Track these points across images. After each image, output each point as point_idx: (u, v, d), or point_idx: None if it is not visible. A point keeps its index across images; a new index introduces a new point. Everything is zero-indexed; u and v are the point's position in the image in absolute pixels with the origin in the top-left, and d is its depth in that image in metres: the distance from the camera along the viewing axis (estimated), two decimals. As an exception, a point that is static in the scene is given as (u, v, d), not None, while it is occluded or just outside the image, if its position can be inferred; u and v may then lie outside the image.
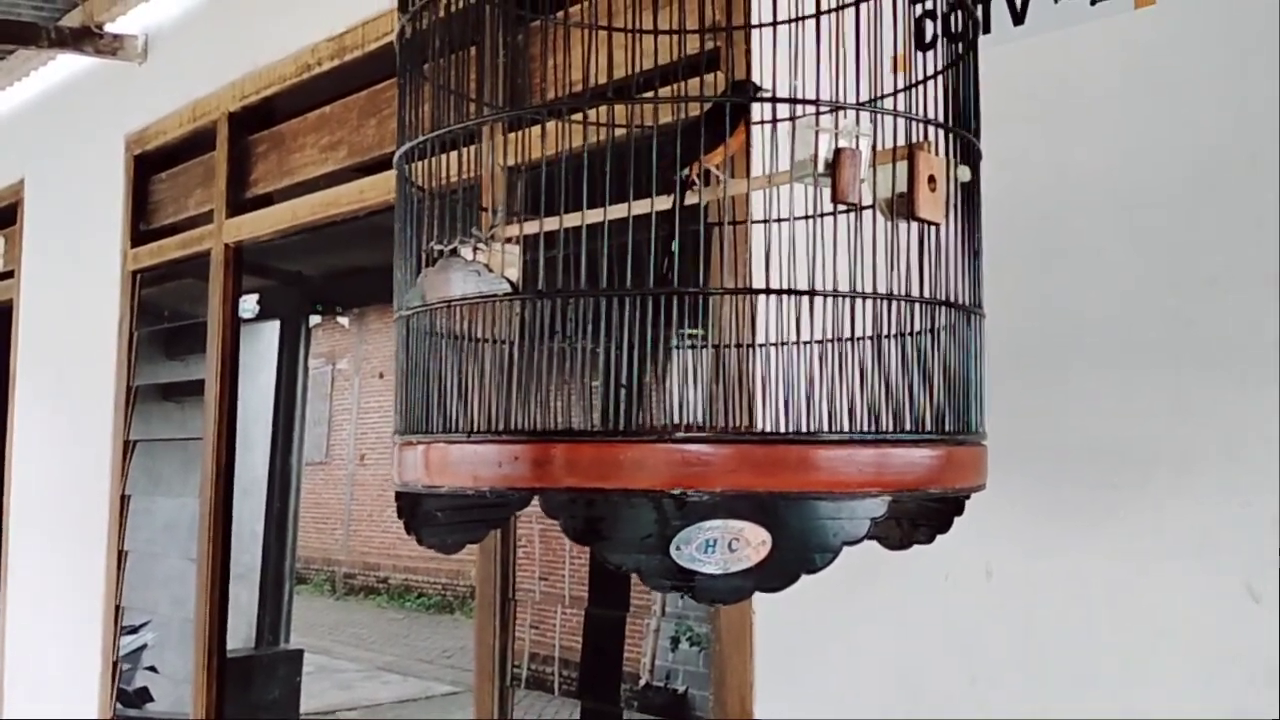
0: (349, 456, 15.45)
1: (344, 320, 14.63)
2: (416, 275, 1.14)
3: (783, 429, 1.04)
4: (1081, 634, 1.53)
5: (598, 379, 1.06)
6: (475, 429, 1.06)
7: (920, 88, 1.17)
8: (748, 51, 1.75)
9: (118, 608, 3.89)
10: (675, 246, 1.16)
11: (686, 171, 1.20)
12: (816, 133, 1.01)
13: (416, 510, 1.24)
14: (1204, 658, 1.42)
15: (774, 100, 1.08)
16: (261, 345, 6.19)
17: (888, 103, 1.12)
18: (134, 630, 3.94)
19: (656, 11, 1.56)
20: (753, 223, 1.66)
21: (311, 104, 3.24)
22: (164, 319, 3.99)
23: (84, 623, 4.01)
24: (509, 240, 1.28)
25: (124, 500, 3.90)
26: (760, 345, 1.33)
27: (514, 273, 1.17)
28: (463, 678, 9.87)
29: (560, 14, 1.41)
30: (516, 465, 0.99)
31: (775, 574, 0.97)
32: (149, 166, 3.97)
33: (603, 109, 1.42)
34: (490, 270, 1.05)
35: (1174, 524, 1.45)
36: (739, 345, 1.38)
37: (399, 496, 1.21)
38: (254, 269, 4.78)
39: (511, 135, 1.66)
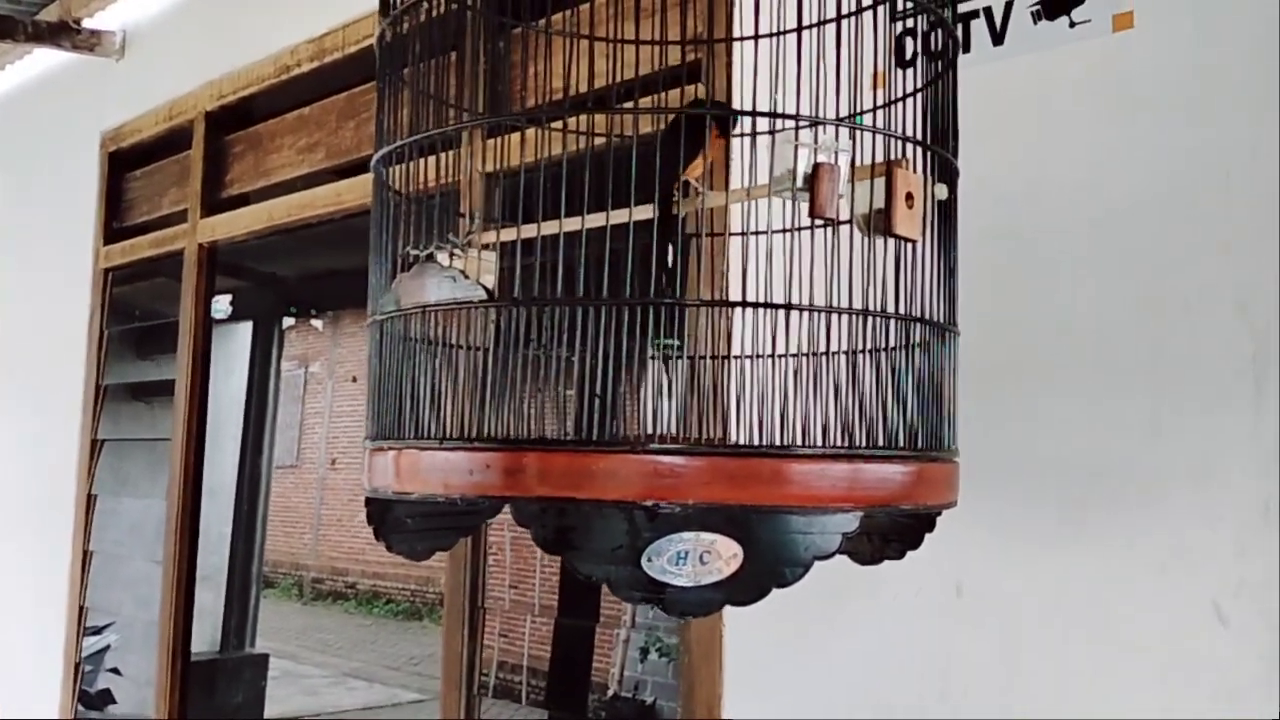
0: (320, 460, 15.36)
1: (318, 323, 14.56)
2: (391, 280, 1.14)
3: (756, 442, 1.04)
4: (1051, 651, 1.53)
5: (572, 388, 1.06)
6: (447, 436, 1.05)
7: (899, 105, 1.17)
8: (729, 64, 1.75)
9: (81, 608, 3.84)
10: (671, 256, 1.16)
11: (675, 185, 1.20)
12: (796, 147, 1.01)
13: (386, 516, 1.23)
14: (1171, 677, 1.43)
15: (754, 114, 1.08)
16: (234, 346, 6.15)
17: (866, 119, 1.12)
18: (97, 631, 3.90)
19: (639, 22, 1.56)
20: (730, 235, 1.67)
21: (290, 105, 3.22)
22: (135, 318, 3.96)
23: (47, 623, 3.96)
24: (485, 247, 1.28)
25: (90, 500, 3.86)
26: (735, 357, 1.33)
27: (490, 279, 1.16)
28: (430, 685, 9.81)
29: (541, 22, 1.41)
30: (488, 473, 0.98)
31: (746, 587, 0.96)
32: (124, 164, 3.94)
33: (582, 118, 1.42)
34: (466, 276, 1.04)
35: (1143, 543, 1.46)
36: (714, 357, 1.38)
37: (369, 502, 1.20)
38: (228, 269, 4.75)
39: (490, 142, 1.65)
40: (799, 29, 1.25)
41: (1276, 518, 1.35)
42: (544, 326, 1.04)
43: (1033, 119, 1.61)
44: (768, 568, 0.97)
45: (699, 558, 0.94)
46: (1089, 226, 1.55)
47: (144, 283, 3.91)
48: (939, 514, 1.18)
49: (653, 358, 1.29)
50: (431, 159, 1.19)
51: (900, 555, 1.25)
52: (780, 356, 1.08)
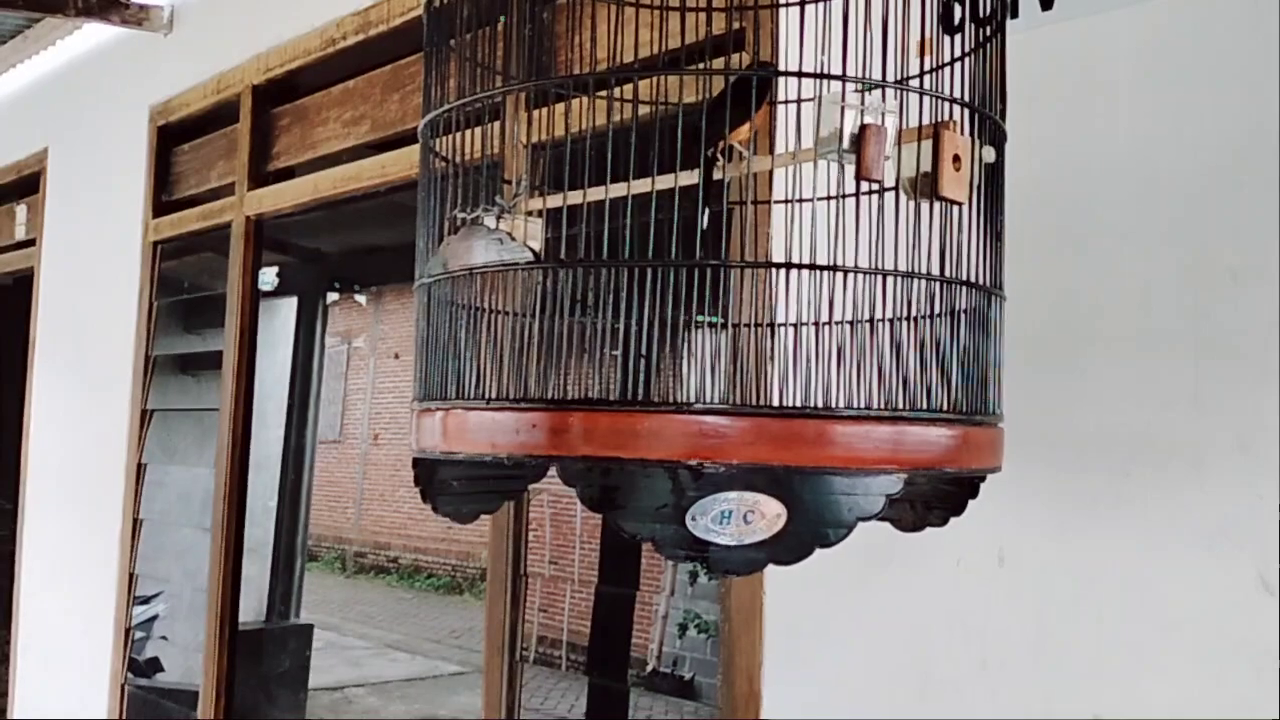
0: (363, 436, 15.51)
1: (361, 299, 14.67)
2: (439, 244, 1.15)
3: (800, 404, 1.04)
4: (1093, 622, 1.53)
5: (617, 349, 1.06)
6: (494, 397, 1.07)
7: (946, 70, 1.16)
8: (774, 31, 1.74)
9: (131, 575, 3.91)
10: (705, 219, 1.16)
11: (712, 150, 1.20)
12: (842, 109, 1.00)
13: (433, 478, 1.24)
14: (1214, 648, 1.42)
15: (800, 75, 1.07)
16: (279, 321, 6.22)
17: (913, 83, 1.12)
18: (146, 600, 3.96)
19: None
20: (774, 203, 1.66)
21: (335, 78, 3.24)
22: (183, 290, 4.01)
23: (98, 591, 4.04)
24: (531, 214, 1.28)
25: (140, 469, 3.93)
26: (780, 325, 1.33)
27: (536, 243, 1.17)
28: (470, 658, 9.92)
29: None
30: (534, 433, 0.99)
31: (789, 547, 0.97)
32: (172, 138, 3.99)
33: (627, 85, 1.42)
34: (513, 239, 1.05)
35: (1188, 514, 1.45)
36: (758, 325, 1.38)
37: (416, 463, 1.21)
38: (273, 245, 4.80)
39: (535, 111, 1.66)
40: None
41: (1325, 486, 1.34)
42: (588, 289, 1.05)
43: (1082, 85, 1.60)
44: (811, 528, 0.97)
45: (743, 517, 0.95)
46: (1136, 194, 1.53)
47: (190, 257, 3.96)
48: (983, 479, 1.18)
49: (697, 326, 1.30)
50: (477, 127, 1.19)
51: (943, 522, 1.24)
52: (825, 324, 1.08)
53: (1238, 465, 1.41)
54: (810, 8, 1.32)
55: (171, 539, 3.84)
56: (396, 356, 14.62)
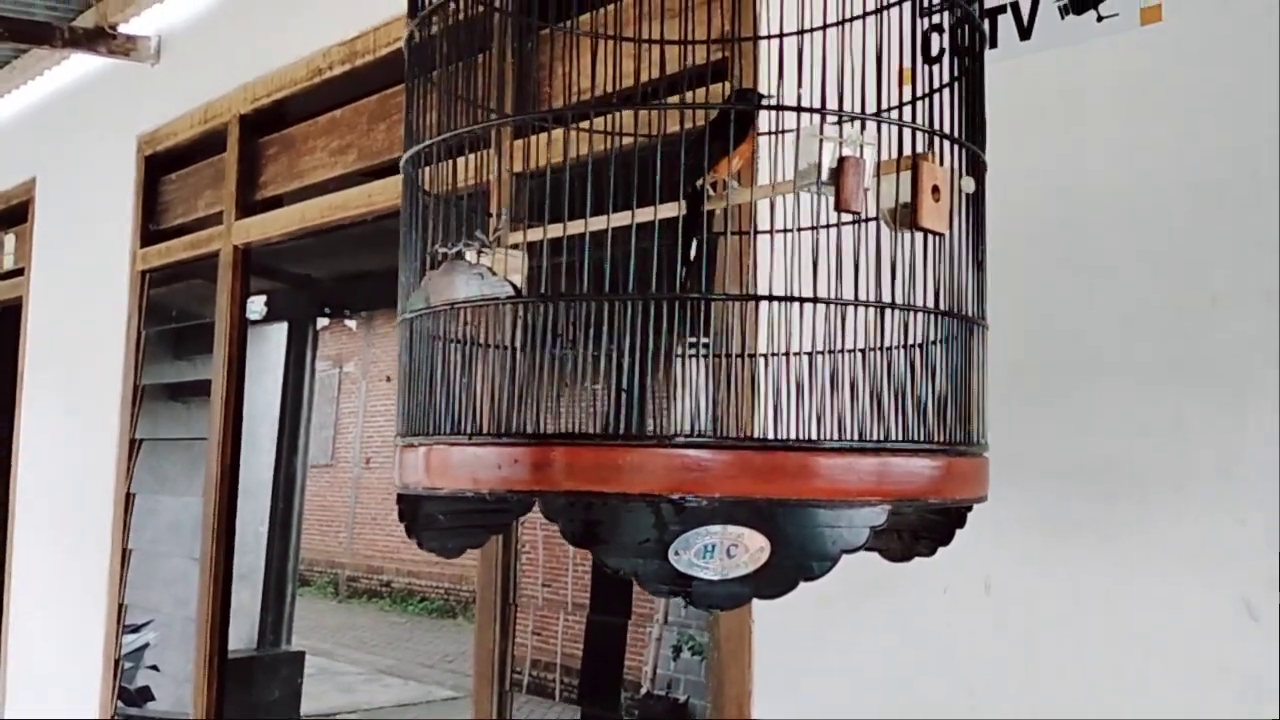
0: (354, 459, 15.46)
1: (351, 324, 14.66)
2: (421, 278, 1.15)
3: (786, 436, 1.05)
4: (1080, 648, 1.53)
5: (599, 383, 1.06)
6: (476, 432, 1.07)
7: (926, 100, 1.17)
8: (755, 62, 1.75)
9: (120, 606, 3.89)
10: (694, 251, 1.17)
11: (700, 182, 1.21)
12: (820, 141, 1.01)
13: (418, 513, 1.24)
14: (1200, 674, 1.42)
15: (779, 108, 1.08)
16: (268, 347, 6.21)
17: (891, 114, 1.12)
18: (136, 629, 3.94)
19: (664, 21, 1.57)
20: (757, 233, 1.67)
21: (322, 108, 3.25)
22: (172, 319, 4.00)
23: (87, 620, 4.02)
24: (513, 246, 1.29)
25: (129, 499, 3.91)
26: (763, 355, 1.34)
27: (518, 277, 1.17)
28: (464, 683, 9.86)
29: (567, 23, 1.42)
30: (516, 468, 0.99)
31: (773, 581, 0.97)
32: (159, 167, 3.99)
33: (609, 116, 1.43)
34: (494, 273, 1.05)
35: (1172, 540, 1.45)
36: (742, 354, 1.39)
37: (400, 499, 1.21)
38: (263, 271, 4.80)
39: (518, 142, 1.66)
40: (824, 26, 1.25)
41: (1309, 512, 1.34)
42: (571, 323, 1.05)
43: (1061, 114, 1.61)
44: (795, 561, 0.97)
45: (726, 551, 0.95)
46: (1117, 221, 1.54)
47: (180, 284, 3.95)
48: (969, 509, 1.18)
49: (681, 356, 1.30)
50: (460, 159, 1.20)
51: (931, 552, 1.25)
52: (808, 354, 1.08)
53: (1220, 491, 1.41)
54: (790, 39, 1.33)
55: (162, 567, 3.82)
56: (388, 379, 14.59)
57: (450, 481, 1.06)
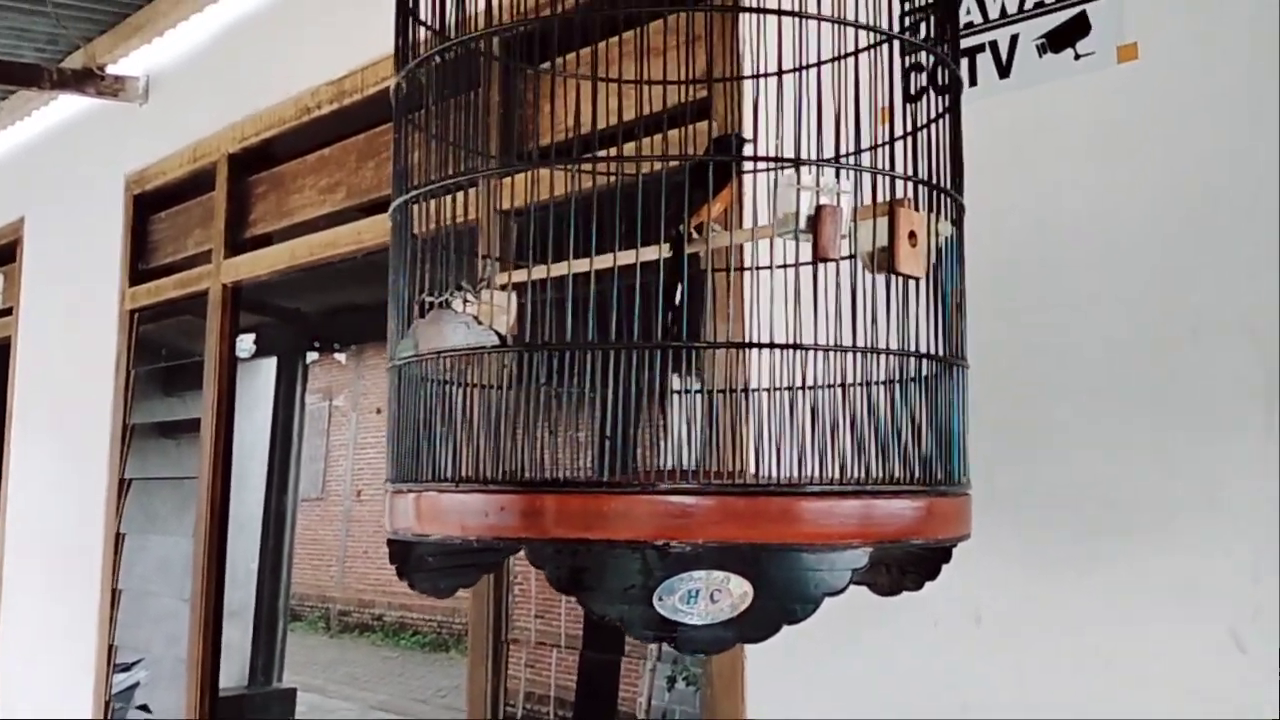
0: (345, 492, 15.41)
1: (341, 357, 14.65)
2: (408, 325, 1.16)
3: (770, 477, 1.06)
4: (1070, 680, 1.53)
5: (584, 429, 1.08)
6: (464, 478, 1.08)
7: (904, 142, 1.19)
8: (739, 103, 1.77)
9: (110, 646, 3.88)
10: (680, 296, 1.18)
11: (684, 226, 1.22)
12: (798, 190, 1.03)
13: (409, 556, 1.25)
14: (1188, 705, 1.43)
15: (755, 158, 1.10)
16: (259, 382, 6.21)
17: (867, 157, 1.14)
18: (126, 668, 3.92)
19: (647, 62, 1.59)
20: (743, 270, 1.68)
21: (311, 146, 3.27)
22: (161, 357, 4.01)
23: (77, 661, 3.99)
24: (501, 288, 1.30)
25: (118, 539, 3.90)
26: (751, 390, 1.35)
27: (504, 323, 1.19)
28: (458, 718, 9.79)
29: (547, 64, 1.44)
30: (503, 515, 1.00)
31: (757, 625, 0.98)
32: (148, 206, 4.01)
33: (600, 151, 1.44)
34: (480, 322, 1.07)
35: (1157, 572, 1.46)
36: (731, 391, 1.40)
37: (391, 543, 1.22)
38: (253, 306, 4.81)
39: (505, 182, 1.68)
40: (800, 68, 1.27)
41: (1289, 545, 1.36)
42: (556, 370, 1.06)
43: (1040, 150, 1.63)
44: (778, 605, 0.98)
45: (710, 596, 0.96)
46: (1096, 257, 1.56)
47: (170, 320, 3.96)
48: (953, 546, 1.19)
49: (665, 397, 1.31)
50: (448, 199, 1.21)
51: (918, 586, 1.25)
52: (789, 389, 1.09)
53: (1206, 523, 1.43)
54: (771, 80, 1.35)
55: (152, 606, 3.80)
56: (379, 411, 14.55)
57: (439, 528, 1.07)
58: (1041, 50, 1.61)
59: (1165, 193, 1.50)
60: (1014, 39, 1.64)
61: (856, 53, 1.18)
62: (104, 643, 3.89)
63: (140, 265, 4.01)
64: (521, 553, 1.25)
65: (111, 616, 3.88)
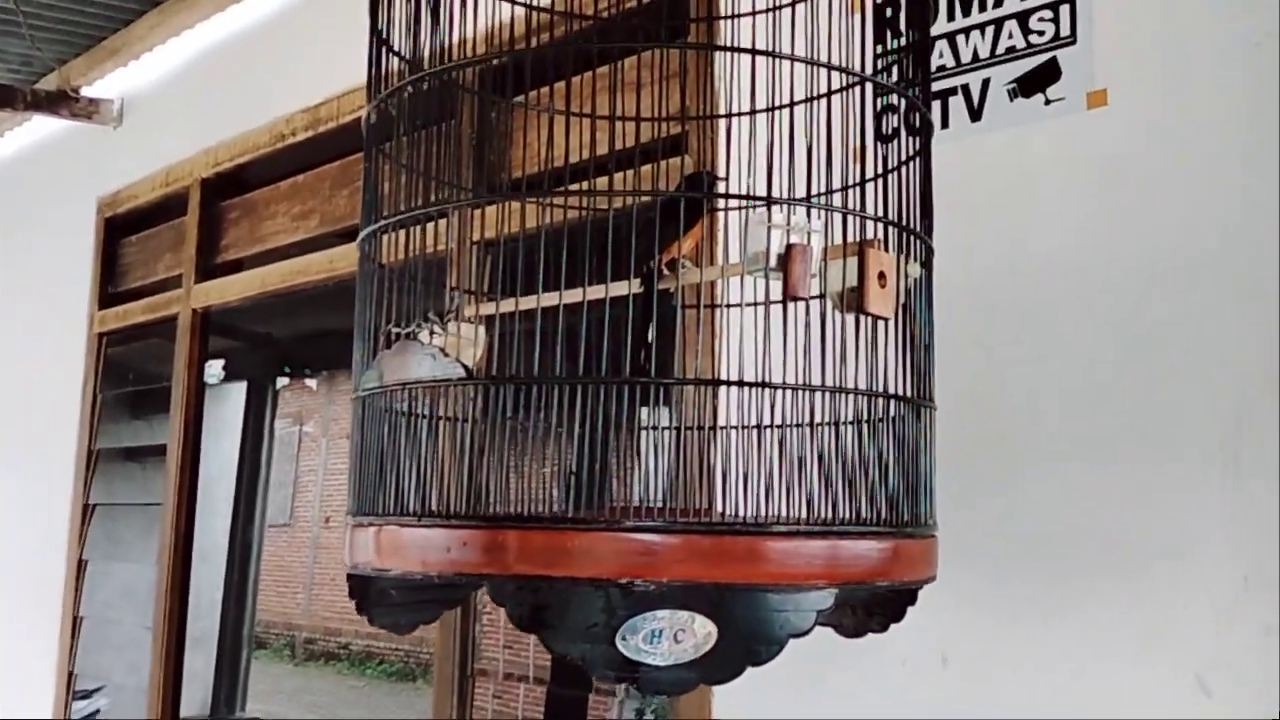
0: (314, 519, 15.28)
1: (312, 382, 14.56)
2: (374, 356, 1.15)
3: (736, 514, 1.05)
4: (1035, 723, 1.53)
5: (549, 465, 1.07)
6: (426, 512, 1.06)
7: (875, 182, 1.19)
8: (713, 140, 1.78)
9: (71, 674, 3.81)
10: (652, 333, 1.18)
11: (653, 262, 1.22)
12: (769, 229, 1.03)
13: (369, 590, 1.23)
14: (1154, 750, 1.43)
15: (726, 196, 1.10)
16: (228, 408, 6.14)
17: (838, 197, 1.14)
18: (87, 695, 3.86)
19: (622, 96, 1.59)
20: (714, 306, 1.68)
21: (284, 172, 3.26)
22: (129, 381, 3.97)
23: (35, 687, 3.93)
24: (469, 319, 1.29)
25: (81, 565, 3.85)
26: (710, 428, 1.34)
27: (470, 355, 1.18)
28: (423, 749, 9.69)
29: (521, 97, 1.44)
30: (465, 550, 0.99)
31: (720, 666, 0.97)
32: (120, 230, 3.98)
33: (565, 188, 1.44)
34: (446, 355, 1.06)
35: (1125, 616, 1.46)
36: (700, 427, 1.39)
37: (351, 577, 1.20)
38: (223, 330, 4.77)
39: (476, 212, 1.68)
40: (772, 108, 1.27)
41: (1255, 590, 1.36)
42: (521, 404, 1.05)
43: (1011, 193, 1.64)
44: (742, 646, 0.97)
45: (674, 636, 0.95)
46: (1066, 299, 1.57)
47: (139, 344, 3.92)
48: (919, 588, 1.18)
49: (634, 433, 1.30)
50: (417, 230, 1.20)
51: (884, 628, 1.25)
52: (756, 426, 1.08)
53: (1173, 566, 1.43)
54: (744, 120, 1.35)
55: (115, 633, 3.75)
56: (349, 437, 14.44)
57: (400, 562, 1.06)
58: (1012, 95, 1.63)
59: (1132, 239, 1.52)
60: (985, 83, 1.65)
61: (830, 94, 1.19)
62: (64, 669, 3.83)
63: (110, 288, 3.98)
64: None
65: (72, 645, 3.82)
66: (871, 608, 1.25)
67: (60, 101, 3.91)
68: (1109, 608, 1.48)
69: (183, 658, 3.48)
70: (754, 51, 1.12)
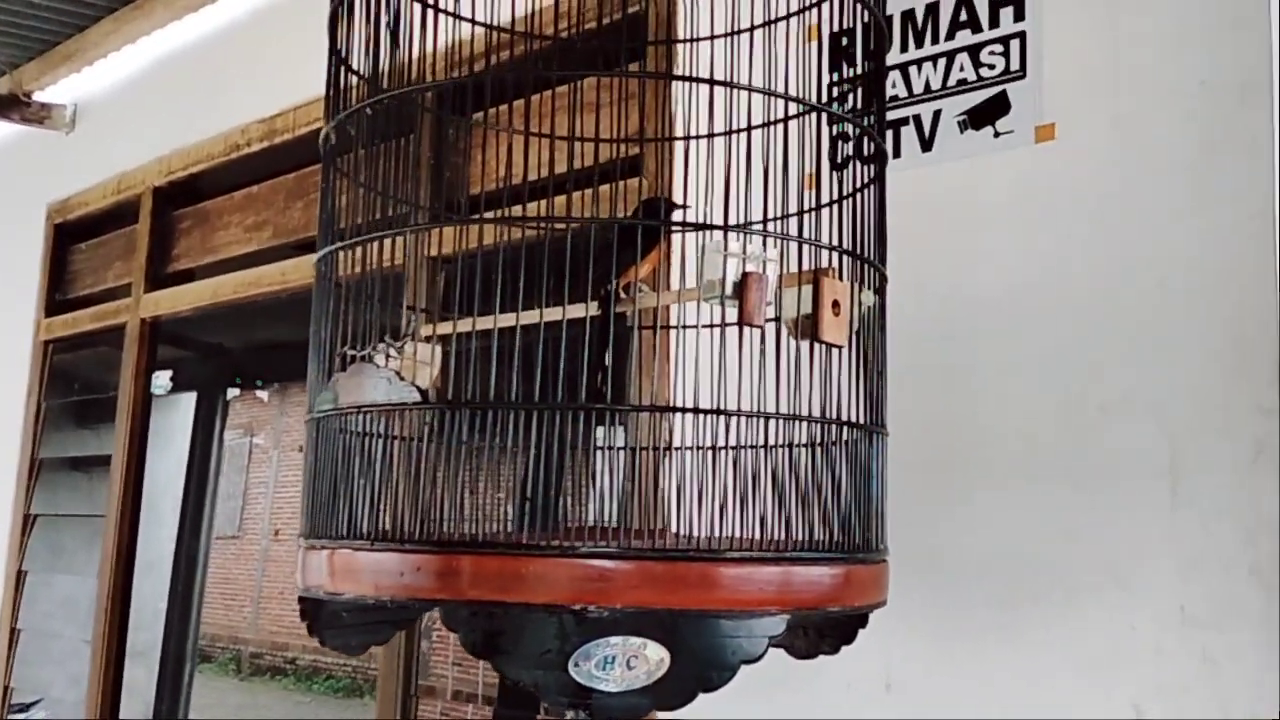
0: (263, 531, 15.08)
1: (263, 394, 14.40)
2: (329, 378, 1.15)
3: (689, 535, 1.06)
4: (979, 746, 1.55)
5: (503, 491, 1.07)
6: (380, 535, 1.06)
7: (830, 210, 1.21)
8: (670, 162, 1.79)
9: (7, 687, 3.74)
10: (609, 358, 1.18)
11: (611, 286, 1.23)
12: (725, 256, 1.04)
13: (320, 612, 1.22)
14: (1095, 774, 1.45)
15: (683, 225, 1.11)
16: (176, 418, 6.05)
17: (794, 223, 1.15)
18: (24, 708, 3.80)
19: (581, 117, 1.60)
20: (669, 329, 1.69)
21: (239, 183, 3.24)
22: (75, 390, 3.91)
23: (-30, 703, 3.85)
24: (425, 339, 1.29)
25: (20, 576, 3.78)
26: (675, 448, 1.35)
27: (426, 377, 1.18)
28: (368, 765, 9.56)
29: (479, 115, 1.44)
30: (418, 575, 0.99)
31: (673, 691, 0.97)
32: (70, 236, 3.93)
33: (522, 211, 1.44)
34: (401, 379, 1.06)
35: (1065, 643, 1.48)
36: (654, 448, 1.40)
37: (302, 600, 1.19)
38: (173, 340, 4.70)
39: (434, 233, 1.67)
40: (729, 132, 1.28)
41: (1192, 621, 1.38)
42: (476, 426, 1.05)
43: (959, 223, 1.67)
44: (695, 672, 0.98)
45: (626, 662, 0.95)
46: (1012, 330, 1.59)
47: (87, 351, 3.87)
48: (869, 612, 1.20)
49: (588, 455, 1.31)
50: (374, 247, 1.20)
51: (835, 650, 1.26)
52: (703, 449, 1.09)
53: (1112, 595, 1.45)
54: (701, 142, 1.36)
55: (55, 646, 3.69)
56: (300, 449, 14.31)
57: (353, 586, 1.05)
58: (963, 126, 1.65)
59: (1079, 271, 1.54)
60: (937, 114, 1.68)
61: (786, 119, 1.20)
62: (0, 682, 3.75)
63: (58, 296, 3.93)
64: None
65: (8, 658, 3.75)
66: (823, 630, 1.26)
67: (11, 106, 3.86)
68: (1050, 635, 1.50)
69: (122, 670, 3.43)
70: (711, 81, 1.14)
